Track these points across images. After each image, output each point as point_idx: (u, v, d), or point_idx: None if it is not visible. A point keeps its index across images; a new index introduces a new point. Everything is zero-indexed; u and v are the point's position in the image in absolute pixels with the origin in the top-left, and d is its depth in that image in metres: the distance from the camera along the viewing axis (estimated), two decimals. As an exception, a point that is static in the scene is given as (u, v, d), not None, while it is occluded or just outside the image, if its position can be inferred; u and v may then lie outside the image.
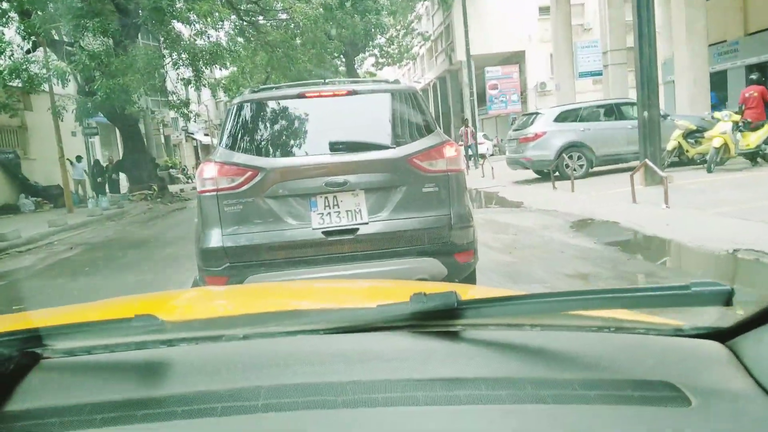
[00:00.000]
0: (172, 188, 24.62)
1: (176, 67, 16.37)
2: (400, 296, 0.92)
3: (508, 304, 0.91)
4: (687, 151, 11.01)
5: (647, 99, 9.09)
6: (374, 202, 3.25)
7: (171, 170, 32.45)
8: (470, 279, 3.54)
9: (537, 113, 12.93)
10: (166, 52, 15.74)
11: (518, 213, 9.12)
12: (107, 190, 17.96)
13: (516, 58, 34.90)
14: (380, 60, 40.05)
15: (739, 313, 0.81)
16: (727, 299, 0.74)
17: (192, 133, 39.45)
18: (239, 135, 3.38)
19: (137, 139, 18.29)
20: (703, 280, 0.76)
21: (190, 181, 32.92)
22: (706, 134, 10.36)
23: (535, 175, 13.55)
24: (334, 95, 3.46)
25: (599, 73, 19.06)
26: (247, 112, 3.43)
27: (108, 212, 14.97)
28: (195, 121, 39.26)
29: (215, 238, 3.19)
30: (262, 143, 3.39)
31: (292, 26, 20.05)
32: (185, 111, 20.27)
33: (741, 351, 0.80)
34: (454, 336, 0.87)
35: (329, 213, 3.22)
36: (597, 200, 8.99)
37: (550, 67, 35.00)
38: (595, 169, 12.44)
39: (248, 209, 3.17)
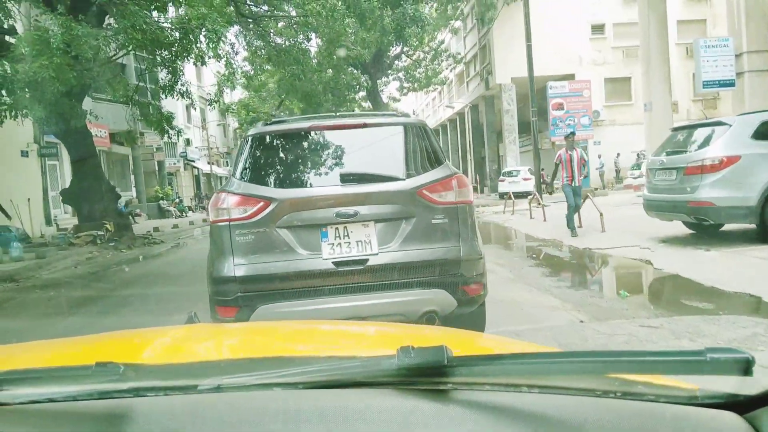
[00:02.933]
0: (160, 224, 19.93)
1: (127, 50, 11.72)
2: (392, 343, 0.86)
3: (504, 363, 0.84)
4: None
5: None
6: (384, 233, 3.30)
7: (161, 202, 27.86)
8: (480, 312, 3.59)
9: (717, 122, 7.67)
10: (111, 33, 11.07)
11: None
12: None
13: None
14: (405, 85, 35.72)
15: (756, 381, 0.74)
16: (745, 368, 0.68)
17: (192, 160, 35.04)
18: (252, 166, 3.49)
19: (91, 161, 13.66)
20: (719, 346, 0.70)
21: (183, 215, 28.26)
22: None
23: (680, 229, 8.40)
24: (345, 128, 3.59)
25: (731, 83, 14.11)
26: (260, 144, 3.57)
27: (12, 266, 10.15)
28: (189, 145, 35.01)
29: (227, 267, 3.23)
30: (275, 174, 3.50)
31: (304, 23, 15.48)
32: (166, 127, 15.70)
33: (761, 425, 0.73)
34: (443, 395, 0.80)
35: (340, 243, 3.26)
36: None
37: (604, 93, 30.55)
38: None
39: (260, 239, 3.23)
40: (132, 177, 27.60)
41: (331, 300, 3.20)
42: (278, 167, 3.56)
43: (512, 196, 15.47)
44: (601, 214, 9.42)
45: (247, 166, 3.46)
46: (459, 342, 0.86)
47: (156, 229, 17.23)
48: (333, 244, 3.26)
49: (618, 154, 28.38)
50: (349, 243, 3.26)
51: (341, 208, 3.24)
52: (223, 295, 3.27)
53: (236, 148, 49.85)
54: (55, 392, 0.83)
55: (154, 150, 29.12)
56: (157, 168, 30.33)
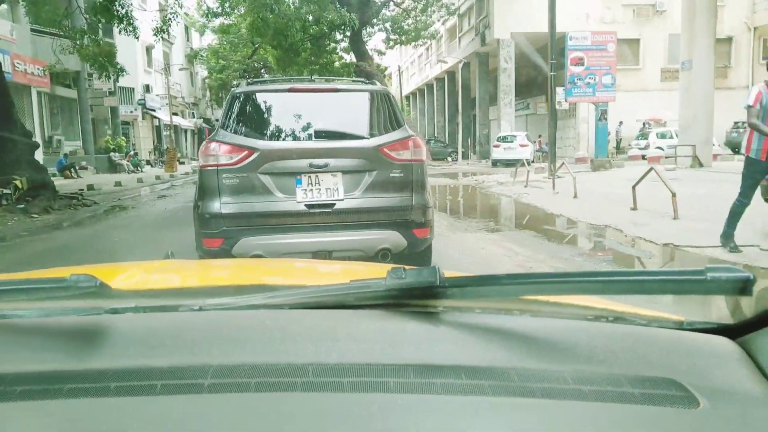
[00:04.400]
0: (104, 180, 16.91)
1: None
2: (379, 274, 0.83)
3: (497, 283, 0.79)
4: None
5: None
6: (349, 182, 3.77)
7: (113, 155, 24.59)
8: (426, 253, 4.12)
9: None
10: None
11: None
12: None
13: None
14: (392, 37, 32.50)
15: (748, 306, 0.81)
16: (744, 287, 0.66)
17: (152, 109, 31.51)
18: (237, 120, 3.90)
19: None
20: (719, 265, 0.68)
21: (138, 170, 25.10)
22: None
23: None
24: (320, 91, 4.15)
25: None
26: (245, 100, 3.96)
27: None
28: (149, 92, 31.44)
29: (214, 206, 3.66)
30: (258, 128, 3.94)
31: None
32: (103, 61, 12.64)
33: (754, 349, 0.73)
34: (433, 317, 0.79)
35: (312, 189, 3.74)
36: None
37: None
38: None
39: (244, 183, 3.66)
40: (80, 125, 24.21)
41: (302, 236, 3.71)
42: (261, 122, 4.00)
43: (527, 163, 12.91)
44: (674, 195, 6.95)
45: (233, 119, 3.87)
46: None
47: (90, 187, 14.27)
48: (306, 189, 3.73)
49: (621, 123, 26.03)
50: (320, 189, 3.74)
51: (314, 160, 3.72)
52: (210, 228, 3.67)
53: (204, 98, 46.42)
54: (24, 308, 0.80)
55: (107, 94, 25.62)
56: (110, 116, 26.88)
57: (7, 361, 0.69)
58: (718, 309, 2.97)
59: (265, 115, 3.99)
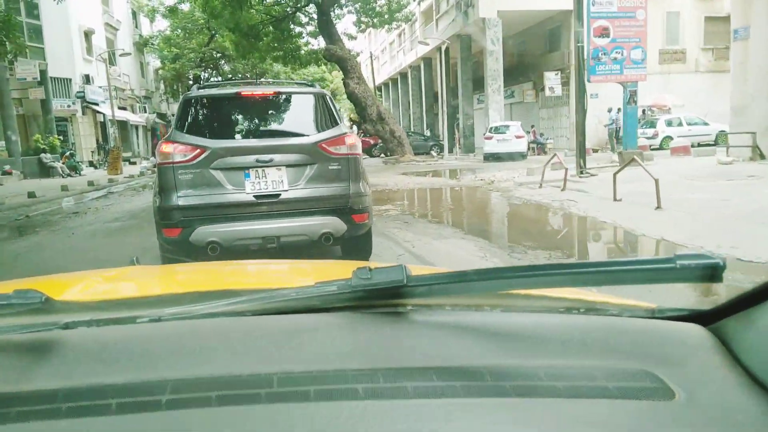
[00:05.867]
0: (39, 186, 13.46)
1: None
2: (343, 275, 0.81)
3: (465, 280, 0.77)
4: None
5: None
6: (292, 175, 4.10)
7: (43, 156, 20.94)
8: (367, 236, 4.56)
9: None
10: None
11: None
12: None
13: (560, 20, 25.23)
14: (363, 19, 29.43)
15: (717, 294, 0.95)
16: (715, 274, 0.66)
17: (94, 103, 27.67)
18: (190, 121, 4.19)
19: None
20: (689, 252, 0.68)
21: (76, 173, 21.52)
22: None
23: None
24: (264, 95, 4.44)
25: None
26: (196, 103, 4.30)
27: None
28: (89, 83, 27.60)
29: (172, 199, 3.94)
30: (209, 128, 4.25)
31: None
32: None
33: (727, 335, 0.72)
34: (402, 317, 0.77)
35: (259, 182, 4.04)
36: None
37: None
38: None
39: (197, 177, 3.95)
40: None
41: (252, 223, 4.01)
42: (211, 122, 4.32)
43: (560, 158, 10.14)
44: None
45: (186, 120, 4.18)
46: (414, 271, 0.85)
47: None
48: (254, 182, 4.03)
49: (618, 110, 23.61)
50: (266, 181, 4.04)
51: (260, 156, 4.02)
52: (168, 219, 3.95)
53: (158, 91, 42.42)
54: None
55: (35, 84, 21.90)
56: (41, 111, 23.14)
57: None
58: (691, 294, 3.08)
59: (215, 117, 4.37)
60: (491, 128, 21.66)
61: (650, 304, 0.83)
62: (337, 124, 4.28)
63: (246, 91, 4.45)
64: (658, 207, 6.75)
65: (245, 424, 0.57)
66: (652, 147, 19.66)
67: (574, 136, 25.63)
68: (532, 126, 24.71)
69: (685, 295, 3.13)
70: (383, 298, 0.77)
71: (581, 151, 10.94)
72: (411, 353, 0.69)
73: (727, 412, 0.59)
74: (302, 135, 4.20)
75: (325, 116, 4.31)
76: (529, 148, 22.15)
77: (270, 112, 4.48)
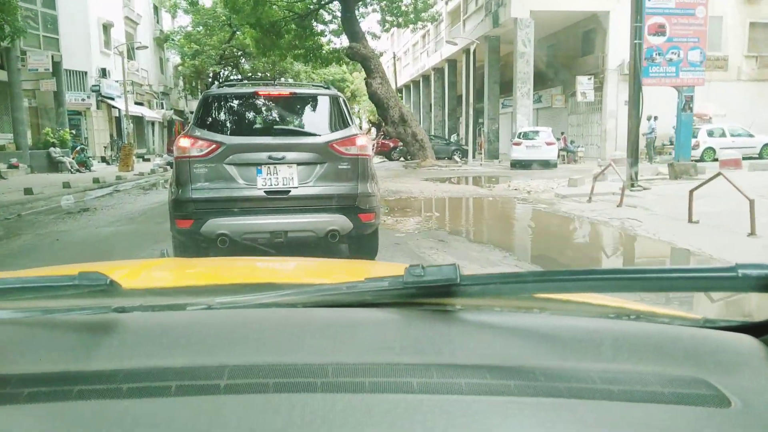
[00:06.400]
0: (52, 179, 12.62)
1: None
2: (379, 274, 0.82)
3: (519, 281, 0.78)
4: None
5: None
6: (303, 173, 4.19)
7: (52, 150, 20.21)
8: (374, 236, 4.58)
9: None
10: None
11: None
12: None
13: (596, 22, 23.97)
14: (387, 18, 28.40)
15: None
16: None
17: (110, 98, 26.95)
18: (208, 117, 4.34)
19: None
20: (750, 263, 0.66)
21: (86, 169, 20.77)
22: None
23: None
24: (279, 95, 4.65)
25: None
26: (214, 100, 4.44)
27: None
28: (105, 77, 26.89)
29: (186, 191, 4.06)
30: (225, 124, 4.41)
31: None
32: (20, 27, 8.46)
33: None
34: (453, 316, 0.78)
35: (270, 178, 4.14)
36: None
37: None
38: None
39: (212, 171, 4.08)
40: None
41: (262, 218, 4.10)
42: (228, 119, 4.46)
43: (615, 168, 8.94)
44: None
45: (204, 116, 4.32)
46: None
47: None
48: (265, 178, 4.12)
49: (655, 118, 22.27)
50: (278, 178, 4.13)
51: (273, 153, 4.12)
52: (182, 210, 4.09)
53: (177, 87, 41.79)
54: (30, 307, 0.78)
55: (49, 76, 21.20)
56: (54, 104, 22.45)
57: (13, 362, 0.66)
58: (744, 305, 3.08)
59: (232, 114, 4.48)
60: (520, 134, 20.47)
61: (698, 315, 0.82)
62: (348, 125, 4.39)
63: (263, 90, 4.61)
64: (752, 233, 5.57)
65: (303, 411, 0.56)
66: (692, 159, 18.36)
67: (605, 144, 24.50)
68: (562, 133, 23.47)
69: (733, 311, 3.08)
70: (435, 296, 0.77)
71: (634, 162, 9.75)
72: (462, 351, 0.69)
73: None
74: (314, 134, 4.32)
75: (337, 117, 4.43)
76: (558, 156, 20.90)
77: (284, 111, 4.61)
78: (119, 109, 27.53)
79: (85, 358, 0.66)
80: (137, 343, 0.70)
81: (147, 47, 28.34)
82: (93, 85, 25.63)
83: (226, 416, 0.56)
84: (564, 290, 0.77)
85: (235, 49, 37.64)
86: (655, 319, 0.80)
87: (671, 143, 23.26)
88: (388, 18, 27.77)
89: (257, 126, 4.48)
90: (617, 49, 23.36)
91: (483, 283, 0.76)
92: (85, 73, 25.36)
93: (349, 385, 0.61)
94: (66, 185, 13.01)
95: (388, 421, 0.55)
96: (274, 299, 0.80)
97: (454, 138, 30.30)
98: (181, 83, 41.12)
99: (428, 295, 0.76)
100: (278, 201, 4.09)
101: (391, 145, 29.22)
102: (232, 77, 39.49)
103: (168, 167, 19.59)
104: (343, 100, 4.53)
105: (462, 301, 0.78)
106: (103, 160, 25.82)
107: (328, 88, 4.76)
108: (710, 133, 20.35)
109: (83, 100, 25.09)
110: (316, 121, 4.54)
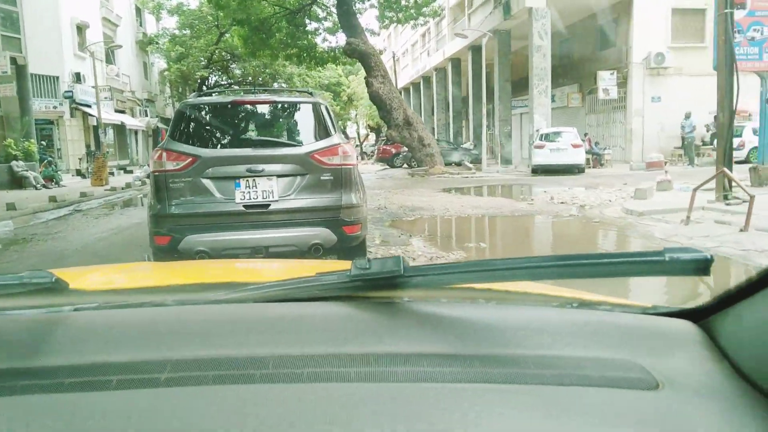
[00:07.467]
0: (8, 197, 10.32)
1: None
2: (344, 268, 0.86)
3: (460, 271, 0.80)
4: None
5: None
6: (284, 185, 4.09)
7: (15, 164, 17.85)
8: (361, 248, 4.44)
9: None
10: None
11: None
12: None
13: (617, 12, 21.84)
14: (387, 14, 26.16)
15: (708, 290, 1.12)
16: (704, 267, 0.67)
17: (85, 105, 24.55)
18: (184, 130, 4.22)
19: None
20: (678, 246, 0.75)
21: (54, 184, 18.44)
22: None
23: None
24: (259, 103, 4.56)
25: None
26: (191, 111, 4.33)
27: None
28: (79, 82, 24.53)
29: (163, 207, 3.98)
30: (202, 137, 4.31)
31: None
32: None
33: (715, 331, 0.74)
34: (398, 307, 0.79)
35: (249, 192, 4.03)
36: None
37: (670, 28, 22.10)
38: None
39: (189, 186, 3.98)
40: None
41: (242, 233, 4.01)
42: (205, 131, 4.37)
43: (731, 175, 6.71)
44: None
45: (180, 128, 4.19)
46: None
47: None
48: (244, 191, 4.02)
49: (690, 115, 20.07)
50: (257, 191, 4.03)
51: (251, 165, 4.01)
52: (159, 227, 3.99)
53: (162, 94, 39.48)
54: None
55: (10, 80, 18.84)
56: (20, 112, 20.08)
57: None
58: (685, 293, 3.22)
59: (209, 126, 4.38)
60: (542, 135, 18.24)
61: (644, 303, 0.84)
62: (330, 134, 4.26)
63: (241, 99, 4.56)
64: None
65: (237, 401, 0.58)
66: (736, 160, 16.21)
67: (630, 146, 22.19)
68: (586, 134, 21.26)
69: (682, 297, 3.21)
70: (381, 289, 0.78)
71: (728, 166, 7.53)
72: (404, 341, 0.71)
73: (709, 402, 0.60)
74: (295, 145, 4.29)
75: (319, 126, 4.31)
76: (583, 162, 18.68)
77: (264, 121, 4.60)
78: (96, 118, 25.17)
79: (31, 354, 0.68)
80: (84, 340, 0.71)
81: (122, 46, 25.96)
82: (66, 91, 23.32)
83: (163, 408, 0.58)
84: (504, 278, 0.79)
85: (223, 52, 35.40)
86: (598, 307, 0.82)
87: (704, 143, 21.24)
88: (387, 14, 25.56)
89: (235, 137, 4.38)
90: (642, 40, 21.27)
91: (426, 273, 0.77)
92: (57, 78, 23.06)
93: (287, 375, 0.62)
94: (10, 207, 10.67)
95: (321, 409, 0.57)
96: (227, 296, 0.81)
97: (469, 144, 27.93)
98: (167, 90, 38.81)
99: (374, 288, 0.77)
100: (258, 215, 4.05)
101: (393, 151, 27.00)
102: (220, 82, 37.27)
103: (147, 180, 17.34)
104: (326, 108, 4.42)
105: (409, 293, 0.79)
106: (78, 173, 23.45)
107: (311, 94, 4.73)
108: (756, 132, 18.20)
109: (55, 107, 22.81)
110: (297, 130, 4.51)
